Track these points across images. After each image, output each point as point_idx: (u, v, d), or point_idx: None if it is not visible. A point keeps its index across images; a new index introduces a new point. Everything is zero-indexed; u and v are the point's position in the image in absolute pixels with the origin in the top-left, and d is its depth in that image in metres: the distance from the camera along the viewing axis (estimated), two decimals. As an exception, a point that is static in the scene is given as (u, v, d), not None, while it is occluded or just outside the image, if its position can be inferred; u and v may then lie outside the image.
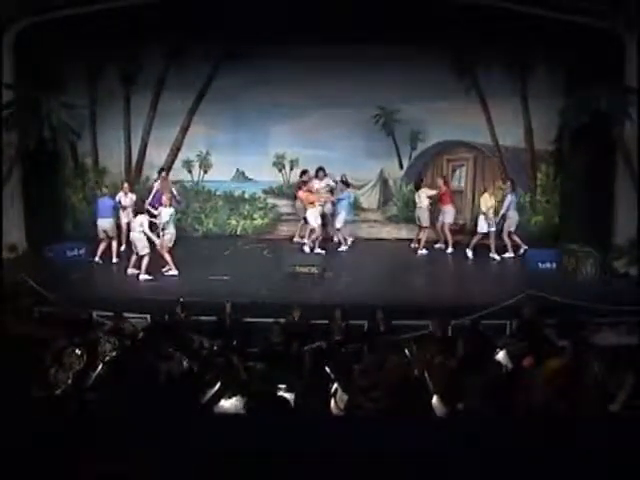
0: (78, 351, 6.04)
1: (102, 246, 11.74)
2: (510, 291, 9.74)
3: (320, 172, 12.59)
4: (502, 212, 12.14)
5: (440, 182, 12.59)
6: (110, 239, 11.78)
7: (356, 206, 13.82)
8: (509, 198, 12.16)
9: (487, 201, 12.08)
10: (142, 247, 10.67)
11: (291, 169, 13.78)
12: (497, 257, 12.09)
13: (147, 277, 10.75)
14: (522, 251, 12.18)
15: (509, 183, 12.33)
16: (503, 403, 5.06)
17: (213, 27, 11.53)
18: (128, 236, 11.52)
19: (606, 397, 5.11)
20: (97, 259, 11.73)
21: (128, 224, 11.65)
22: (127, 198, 12.11)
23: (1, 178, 11.44)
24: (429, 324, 8.64)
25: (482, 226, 12.10)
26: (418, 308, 9.34)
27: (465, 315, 8.87)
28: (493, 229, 12.12)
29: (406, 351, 6.83)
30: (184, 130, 13.67)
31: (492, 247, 12.15)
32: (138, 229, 10.71)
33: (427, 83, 12.92)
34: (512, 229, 12.23)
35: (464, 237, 12.93)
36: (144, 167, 13.79)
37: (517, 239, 12.26)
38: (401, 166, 13.74)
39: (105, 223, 11.72)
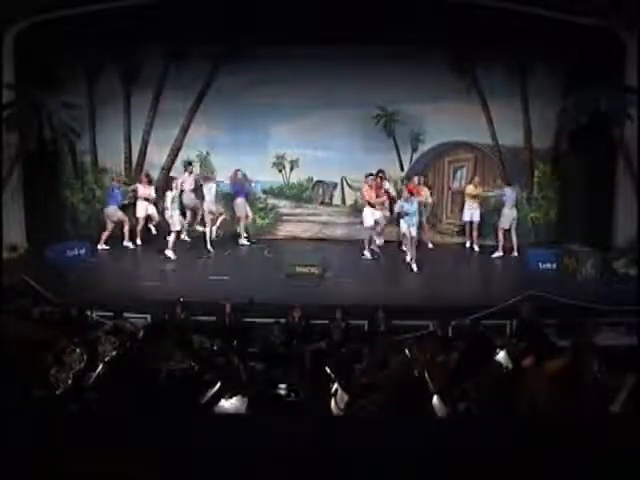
0: (78, 351, 6.04)
1: (106, 234, 12.39)
2: (510, 291, 9.75)
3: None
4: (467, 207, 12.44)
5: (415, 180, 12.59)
6: (116, 224, 12.43)
7: (356, 207, 13.84)
8: (503, 193, 12.20)
9: (471, 191, 12.44)
10: (174, 223, 11.66)
11: (291, 169, 13.79)
12: (476, 248, 12.42)
13: (172, 254, 11.64)
14: (514, 254, 12.18)
15: (503, 181, 12.41)
16: (503, 403, 5.06)
17: (213, 27, 11.53)
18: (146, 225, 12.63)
19: (606, 397, 5.11)
20: (100, 246, 12.36)
21: (148, 214, 12.56)
22: (146, 190, 12.47)
23: (1, 178, 11.44)
24: (429, 324, 8.65)
25: (465, 215, 12.55)
26: (418, 308, 9.35)
27: (465, 315, 8.88)
28: (476, 219, 12.45)
29: (406, 351, 6.83)
30: (184, 130, 13.66)
31: (474, 239, 12.52)
32: (170, 206, 11.61)
33: (427, 83, 12.91)
34: (506, 227, 12.18)
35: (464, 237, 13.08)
36: (144, 167, 13.76)
37: (514, 240, 12.22)
38: (402, 167, 13.72)
39: (110, 210, 12.35)
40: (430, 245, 12.66)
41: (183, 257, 12.26)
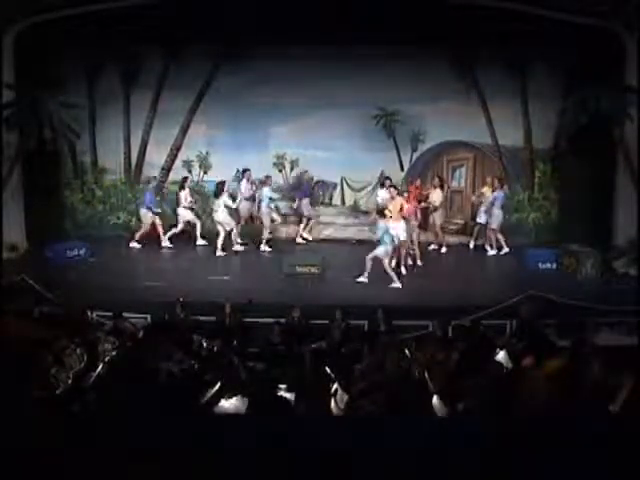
0: (78, 351, 6.05)
1: (141, 232, 12.63)
2: (510, 291, 9.74)
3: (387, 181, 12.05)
4: (484, 208, 12.43)
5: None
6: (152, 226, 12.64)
7: (356, 208, 13.85)
8: (494, 195, 12.25)
9: (487, 193, 12.48)
10: (223, 225, 12.20)
11: (291, 169, 13.77)
12: (490, 250, 12.46)
13: (240, 248, 12.38)
14: (503, 252, 12.35)
15: (496, 181, 12.42)
16: (503, 403, 5.06)
17: (213, 27, 11.52)
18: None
19: (606, 397, 5.11)
20: (134, 244, 12.60)
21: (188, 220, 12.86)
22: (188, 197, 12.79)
23: (1, 178, 11.44)
24: (429, 324, 8.64)
25: (480, 217, 12.59)
26: (418, 308, 9.34)
27: (465, 315, 8.87)
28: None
29: (406, 351, 6.83)
30: (184, 130, 13.65)
31: (492, 241, 12.52)
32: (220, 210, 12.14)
33: (427, 83, 12.91)
34: (494, 227, 12.32)
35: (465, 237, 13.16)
36: (144, 167, 13.77)
37: (500, 238, 12.36)
38: (402, 167, 13.72)
39: (142, 212, 12.62)
40: (443, 250, 12.60)
41: (183, 257, 12.28)
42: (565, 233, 12.72)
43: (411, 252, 11.49)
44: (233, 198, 12.47)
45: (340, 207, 14.00)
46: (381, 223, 10.56)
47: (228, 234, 12.34)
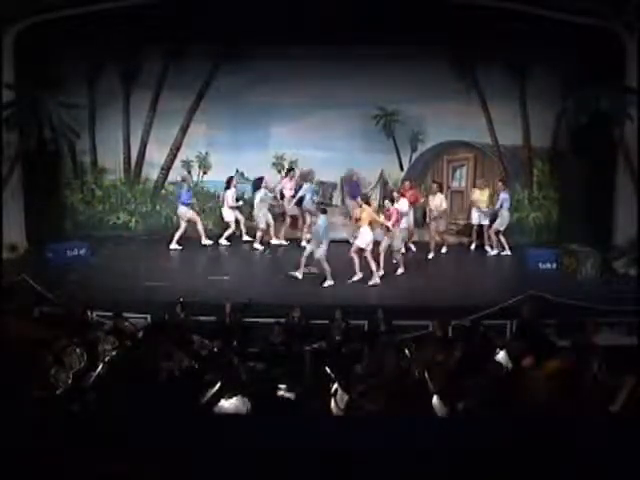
0: (78, 351, 6.06)
1: (178, 233, 12.50)
2: (510, 291, 9.75)
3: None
4: (476, 208, 12.50)
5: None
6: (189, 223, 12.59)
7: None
8: (502, 196, 12.23)
9: (477, 195, 12.54)
10: (261, 222, 12.41)
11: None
12: (491, 251, 12.38)
13: (260, 247, 12.41)
14: (504, 253, 12.33)
15: (499, 182, 12.42)
16: (503, 403, 5.06)
17: (213, 27, 11.53)
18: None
19: (606, 397, 5.11)
20: (172, 246, 12.50)
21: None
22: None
23: (1, 178, 11.44)
24: (429, 324, 8.65)
25: (474, 218, 12.62)
26: (418, 308, 9.34)
27: (465, 315, 8.88)
28: (485, 222, 12.46)
29: (406, 351, 6.84)
30: (184, 130, 13.63)
31: (486, 240, 12.49)
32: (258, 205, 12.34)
33: (427, 83, 12.89)
34: (501, 228, 12.30)
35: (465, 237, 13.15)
36: (143, 167, 13.77)
37: (503, 240, 12.34)
38: (401, 167, 13.71)
39: (182, 210, 12.56)
40: (443, 250, 12.50)
41: (183, 256, 12.28)
42: (565, 233, 12.72)
43: (395, 258, 11.16)
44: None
45: (340, 207, 13.99)
46: (322, 219, 10.55)
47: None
